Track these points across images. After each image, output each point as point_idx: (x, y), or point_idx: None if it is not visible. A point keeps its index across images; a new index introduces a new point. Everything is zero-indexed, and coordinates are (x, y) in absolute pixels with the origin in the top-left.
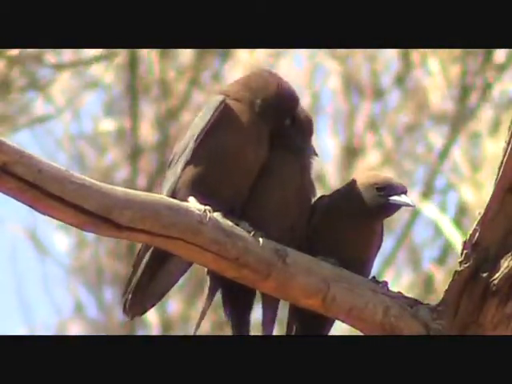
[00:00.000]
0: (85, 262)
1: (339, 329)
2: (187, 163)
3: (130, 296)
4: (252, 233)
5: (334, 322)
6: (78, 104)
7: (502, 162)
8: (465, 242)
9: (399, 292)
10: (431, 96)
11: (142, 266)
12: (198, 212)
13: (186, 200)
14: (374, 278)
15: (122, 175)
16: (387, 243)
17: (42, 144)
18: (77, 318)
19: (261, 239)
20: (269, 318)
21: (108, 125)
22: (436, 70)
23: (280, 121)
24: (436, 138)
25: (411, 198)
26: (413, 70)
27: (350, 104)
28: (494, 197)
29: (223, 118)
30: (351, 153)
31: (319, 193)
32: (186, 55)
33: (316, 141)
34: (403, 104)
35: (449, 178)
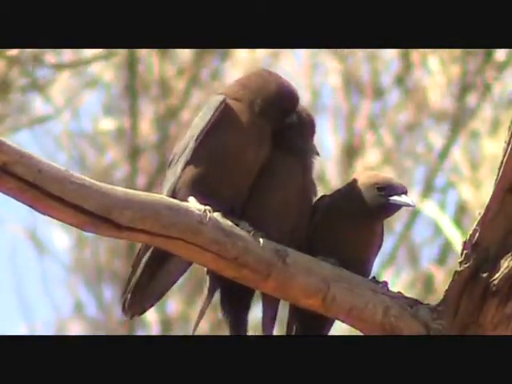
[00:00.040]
0: (84, 261)
1: (339, 329)
2: (187, 163)
3: (130, 295)
4: (252, 233)
5: (333, 321)
6: (78, 103)
7: (502, 162)
8: (465, 242)
9: (399, 292)
10: (431, 95)
11: (142, 265)
12: (197, 212)
13: (186, 200)
14: (374, 278)
15: (121, 174)
16: (387, 242)
17: (41, 144)
18: (76, 317)
19: (261, 239)
20: (269, 318)
21: (107, 124)
22: (436, 69)
23: (281, 120)
24: (436, 137)
25: (411, 197)
26: (413, 69)
27: (350, 103)
28: (494, 197)
29: (223, 118)
30: (351, 152)
31: (319, 192)
32: (185, 54)
33: (316, 139)
34: (403, 103)
35: (448, 177)
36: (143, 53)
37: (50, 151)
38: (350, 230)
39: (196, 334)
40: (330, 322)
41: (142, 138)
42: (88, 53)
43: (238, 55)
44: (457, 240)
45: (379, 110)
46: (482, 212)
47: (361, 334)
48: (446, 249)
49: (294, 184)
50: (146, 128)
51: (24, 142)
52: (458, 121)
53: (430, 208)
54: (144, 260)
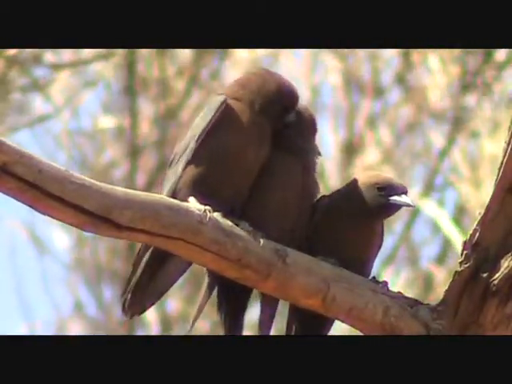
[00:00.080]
0: (84, 260)
1: (339, 329)
2: (188, 163)
3: (130, 295)
4: (252, 233)
5: (333, 321)
6: (77, 102)
7: (501, 162)
8: (465, 243)
9: (399, 292)
10: (431, 94)
11: (142, 265)
12: (198, 212)
13: (186, 200)
14: (374, 278)
15: (121, 173)
16: (386, 242)
17: (41, 143)
18: (76, 316)
19: (261, 239)
20: (267, 316)
21: (107, 122)
22: (436, 68)
23: (280, 118)
24: (436, 136)
25: (411, 196)
26: (413, 68)
27: (350, 102)
28: (494, 197)
29: (224, 118)
30: (351, 150)
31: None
32: (184, 54)
33: (317, 138)
34: (403, 102)
35: (448, 176)
36: (143, 52)
37: (50, 150)
38: (350, 230)
39: (196, 334)
40: (329, 322)
41: (142, 137)
42: (87, 53)
43: (238, 55)
44: (456, 239)
45: (379, 109)
46: (482, 212)
47: (361, 333)
48: (445, 248)
49: (294, 183)
50: (146, 127)
51: (24, 141)
52: (457, 121)
53: (429, 207)
54: (144, 260)
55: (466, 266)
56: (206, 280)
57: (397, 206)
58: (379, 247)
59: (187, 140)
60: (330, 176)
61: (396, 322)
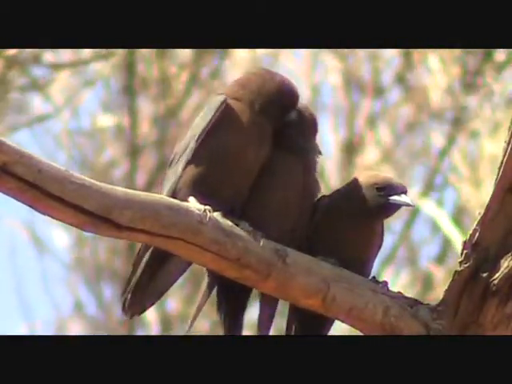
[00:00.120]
0: (84, 260)
1: (339, 329)
2: (188, 163)
3: (130, 295)
4: (252, 233)
5: (333, 321)
6: (77, 102)
7: (501, 162)
8: (465, 242)
9: (399, 292)
10: (431, 94)
11: (142, 265)
12: (197, 212)
13: (186, 200)
14: (374, 278)
15: (121, 173)
16: (386, 241)
17: (41, 143)
18: (76, 316)
19: (261, 239)
20: (267, 316)
21: (107, 122)
22: (436, 68)
23: (281, 117)
24: (436, 136)
25: (410, 196)
26: (413, 68)
27: (350, 101)
28: (494, 197)
29: (224, 118)
30: (351, 150)
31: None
32: (184, 53)
33: (317, 138)
34: (403, 102)
35: (448, 176)
36: (143, 52)
37: (50, 150)
38: (350, 230)
39: (196, 333)
40: (329, 322)
41: (142, 136)
42: (87, 52)
43: (238, 55)
44: (456, 239)
45: (379, 109)
46: (482, 212)
47: (361, 333)
48: (445, 248)
49: (294, 183)
50: (146, 127)
51: (23, 141)
52: (457, 121)
53: (429, 207)
54: (144, 260)
55: (466, 265)
56: (206, 280)
57: (396, 206)
58: (379, 247)
59: (187, 140)
60: (330, 176)
61: (396, 322)
